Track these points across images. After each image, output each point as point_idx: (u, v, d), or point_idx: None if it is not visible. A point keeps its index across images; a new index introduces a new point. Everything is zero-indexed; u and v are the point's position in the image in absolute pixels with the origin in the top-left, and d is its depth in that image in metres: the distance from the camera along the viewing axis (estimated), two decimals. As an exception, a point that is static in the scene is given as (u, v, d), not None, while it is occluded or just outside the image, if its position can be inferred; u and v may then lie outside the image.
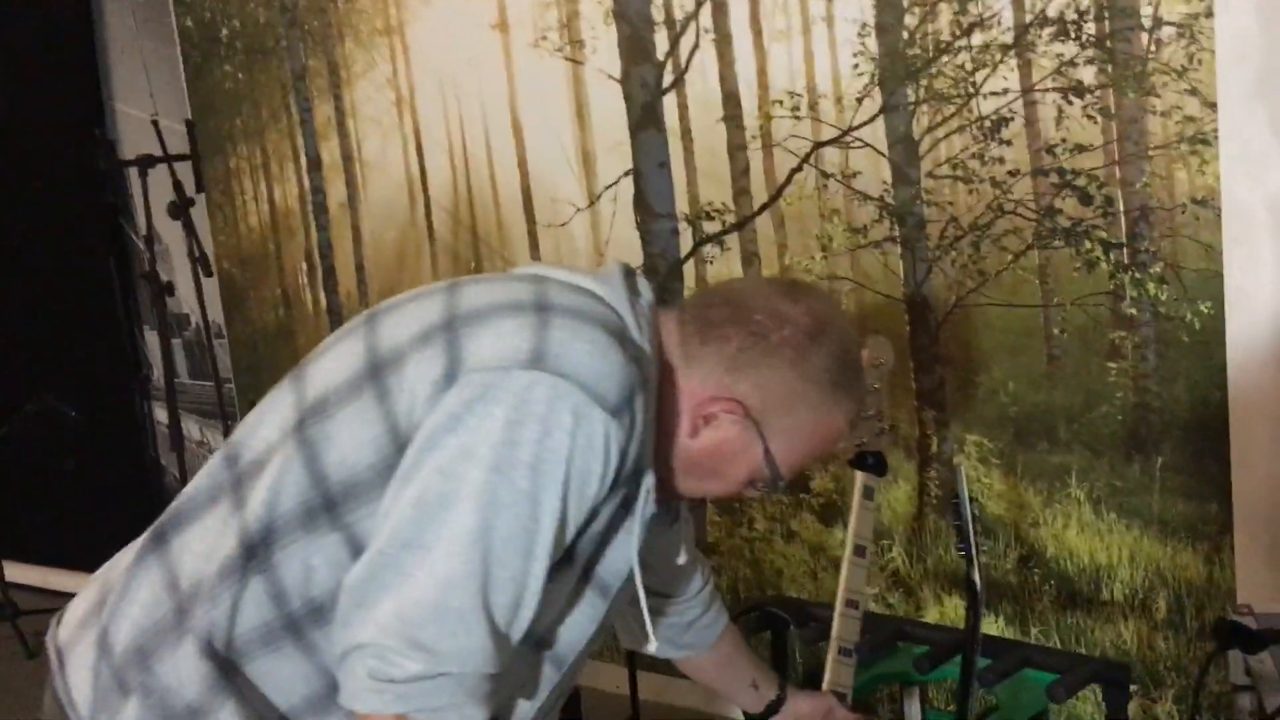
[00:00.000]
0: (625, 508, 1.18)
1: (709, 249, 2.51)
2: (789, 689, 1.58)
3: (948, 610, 2.30)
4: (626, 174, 2.58)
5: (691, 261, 2.54)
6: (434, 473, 1.06)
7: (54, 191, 3.52)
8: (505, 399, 1.06)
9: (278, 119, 3.20)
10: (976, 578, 1.55)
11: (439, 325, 1.13)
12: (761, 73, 2.37)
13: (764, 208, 2.42)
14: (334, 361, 1.17)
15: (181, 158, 2.82)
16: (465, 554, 1.04)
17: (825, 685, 1.61)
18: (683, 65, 2.46)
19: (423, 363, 1.10)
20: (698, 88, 2.46)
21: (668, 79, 2.48)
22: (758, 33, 2.35)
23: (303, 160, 3.17)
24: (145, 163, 2.83)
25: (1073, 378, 2.11)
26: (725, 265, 2.49)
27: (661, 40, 2.47)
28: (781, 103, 2.35)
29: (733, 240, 2.48)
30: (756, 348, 1.19)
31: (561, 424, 1.06)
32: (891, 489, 2.35)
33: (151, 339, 3.67)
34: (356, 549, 1.09)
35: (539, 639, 1.18)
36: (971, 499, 1.59)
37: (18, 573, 3.76)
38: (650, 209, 2.58)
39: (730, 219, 2.47)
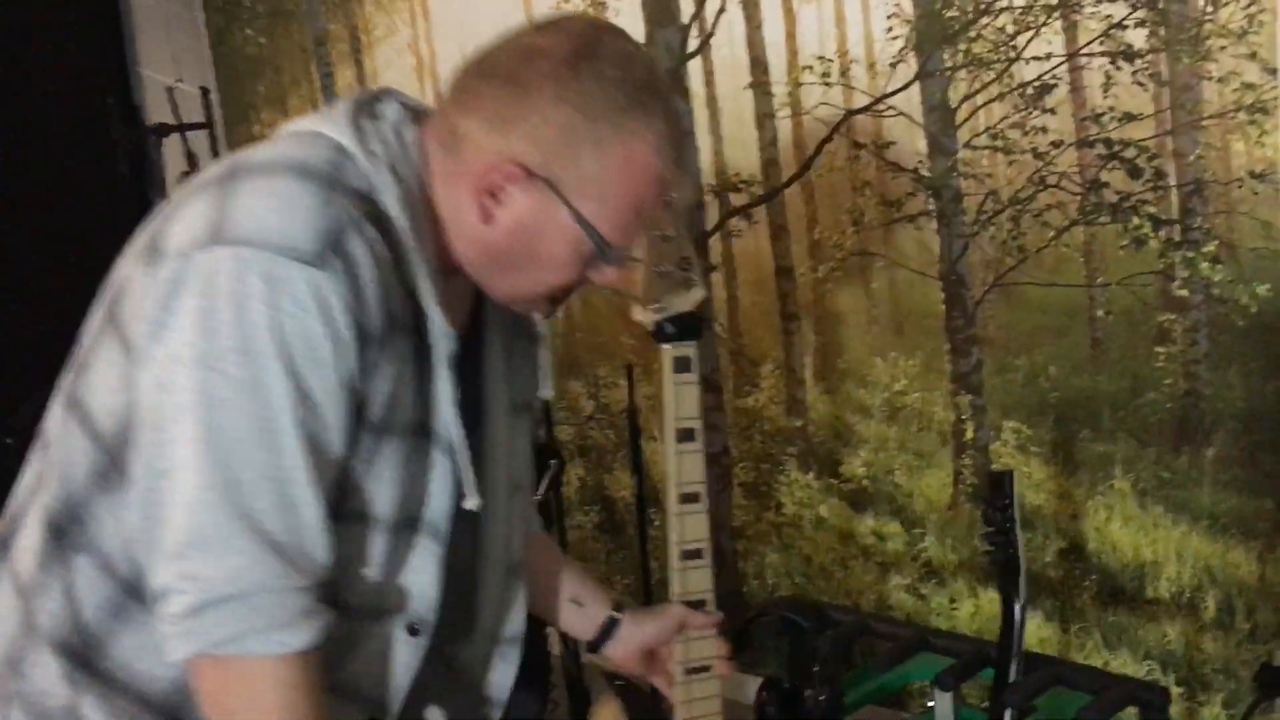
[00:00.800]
0: (422, 355, 1.06)
1: (736, 221, 2.40)
2: (629, 609, 1.39)
3: (983, 604, 2.20)
4: (651, 143, 2.47)
5: (718, 235, 2.43)
6: (152, 389, 0.96)
7: (79, 159, 3.47)
8: (193, 286, 0.95)
9: (299, 85, 3.13)
10: (1018, 605, 1.42)
11: (149, 236, 1.03)
12: (790, 37, 2.24)
13: (793, 179, 2.30)
14: (91, 316, 1.08)
15: (196, 126, 2.75)
16: (199, 467, 0.95)
17: (673, 595, 1.39)
18: (708, 29, 2.34)
19: (135, 278, 1.00)
20: (724, 52, 2.34)
21: (693, 43, 2.36)
22: (787, -7, 2.23)
23: (326, 127, 3.10)
24: (160, 131, 2.77)
25: (1118, 362, 1.98)
26: (753, 238, 2.38)
27: (686, 3, 2.35)
28: (811, 68, 2.23)
29: (760, 213, 2.36)
30: (512, 95, 1.04)
31: (253, 294, 0.95)
32: (924, 475, 2.25)
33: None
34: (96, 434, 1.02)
35: (405, 518, 1.08)
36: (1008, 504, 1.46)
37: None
38: (676, 180, 2.46)
39: (758, 190, 2.36)
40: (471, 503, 1.10)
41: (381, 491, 1.04)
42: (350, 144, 1.04)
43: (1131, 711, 1.46)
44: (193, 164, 2.70)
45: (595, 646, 1.38)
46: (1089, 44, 1.89)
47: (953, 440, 2.20)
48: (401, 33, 2.87)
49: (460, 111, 1.06)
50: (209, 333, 0.95)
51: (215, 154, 3.13)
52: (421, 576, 1.09)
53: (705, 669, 1.35)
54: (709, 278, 2.26)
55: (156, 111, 3.35)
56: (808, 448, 2.41)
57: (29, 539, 1.07)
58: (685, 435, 1.37)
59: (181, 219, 1.00)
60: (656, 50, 2.41)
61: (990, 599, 2.18)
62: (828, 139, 2.24)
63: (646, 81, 1.08)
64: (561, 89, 1.04)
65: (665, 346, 1.37)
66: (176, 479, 0.95)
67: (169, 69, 3.37)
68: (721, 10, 2.31)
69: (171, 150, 2.99)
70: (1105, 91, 1.89)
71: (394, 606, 1.09)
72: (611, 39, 1.08)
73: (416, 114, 1.11)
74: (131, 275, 1.02)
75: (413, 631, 1.10)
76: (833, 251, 2.28)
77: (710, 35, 2.34)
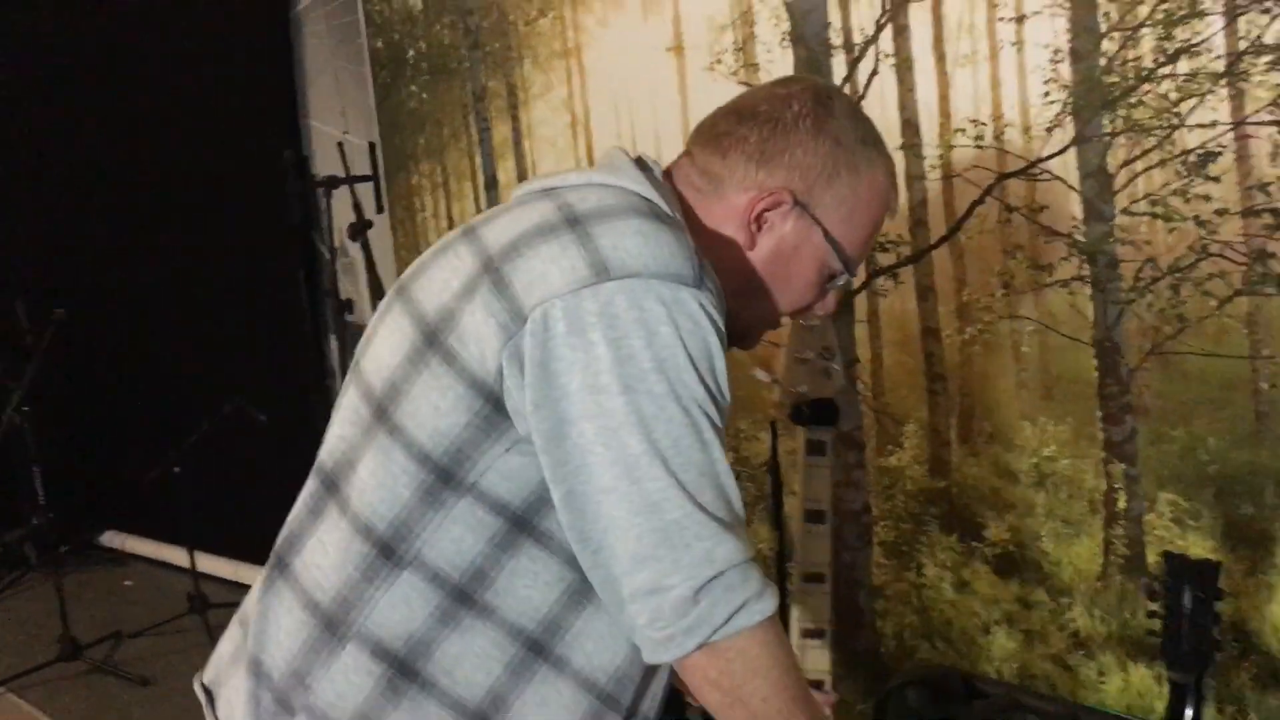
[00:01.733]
0: None
1: (882, 281, 2.41)
2: None
3: (1132, 679, 2.14)
4: (799, 201, 2.50)
5: (864, 294, 2.44)
6: (580, 420, 1.04)
7: (252, 206, 3.68)
8: (593, 322, 1.04)
9: (458, 138, 3.26)
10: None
11: (478, 271, 1.10)
12: (943, 99, 2.25)
13: (942, 240, 2.30)
14: (385, 345, 1.15)
15: (363, 179, 2.90)
16: (650, 474, 1.03)
17: None
18: (860, 90, 2.36)
19: (476, 311, 1.08)
20: (875, 113, 2.34)
21: (844, 104, 2.39)
22: (940, 58, 2.24)
23: (480, 178, 3.22)
24: (330, 184, 2.93)
25: (1283, 438, 1.92)
26: (899, 298, 2.39)
27: (839, 64, 2.38)
28: (964, 131, 2.23)
29: (907, 274, 2.37)
30: (776, 132, 1.19)
31: (659, 318, 1.04)
32: (1073, 544, 2.20)
33: (337, 349, 3.81)
34: (491, 504, 1.09)
35: None
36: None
37: (209, 564, 3.97)
38: (823, 238, 2.49)
39: (905, 251, 2.36)
40: None
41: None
42: (651, 195, 1.15)
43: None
44: (359, 214, 2.84)
45: None
46: (1257, 112, 1.86)
47: (1104, 509, 2.15)
48: (557, 90, 2.97)
49: (718, 154, 1.20)
50: (627, 360, 1.04)
51: (379, 205, 3.29)
52: None
53: None
54: (852, 371, 2.29)
55: (323, 163, 3.54)
56: (951, 510, 2.39)
57: (334, 557, 1.14)
58: (814, 517, 1.43)
59: (539, 260, 1.07)
60: (807, 111, 2.44)
61: (1140, 675, 2.12)
62: (979, 201, 2.23)
63: (870, 121, 1.24)
64: (819, 125, 1.19)
65: (802, 429, 1.43)
66: (625, 491, 1.04)
67: (337, 122, 3.56)
68: (874, 73, 2.33)
69: (338, 200, 3.16)
70: (1273, 160, 1.85)
71: None
72: (836, 89, 1.26)
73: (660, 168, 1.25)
74: (460, 310, 1.08)
75: None
76: (981, 314, 2.27)
77: (862, 97, 2.36)
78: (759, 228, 1.19)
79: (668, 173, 1.24)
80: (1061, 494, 2.21)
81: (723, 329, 1.09)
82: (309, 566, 1.16)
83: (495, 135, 3.15)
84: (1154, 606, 1.43)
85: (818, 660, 1.38)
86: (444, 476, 1.09)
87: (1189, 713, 1.41)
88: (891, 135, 2.34)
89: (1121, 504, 2.13)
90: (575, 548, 1.07)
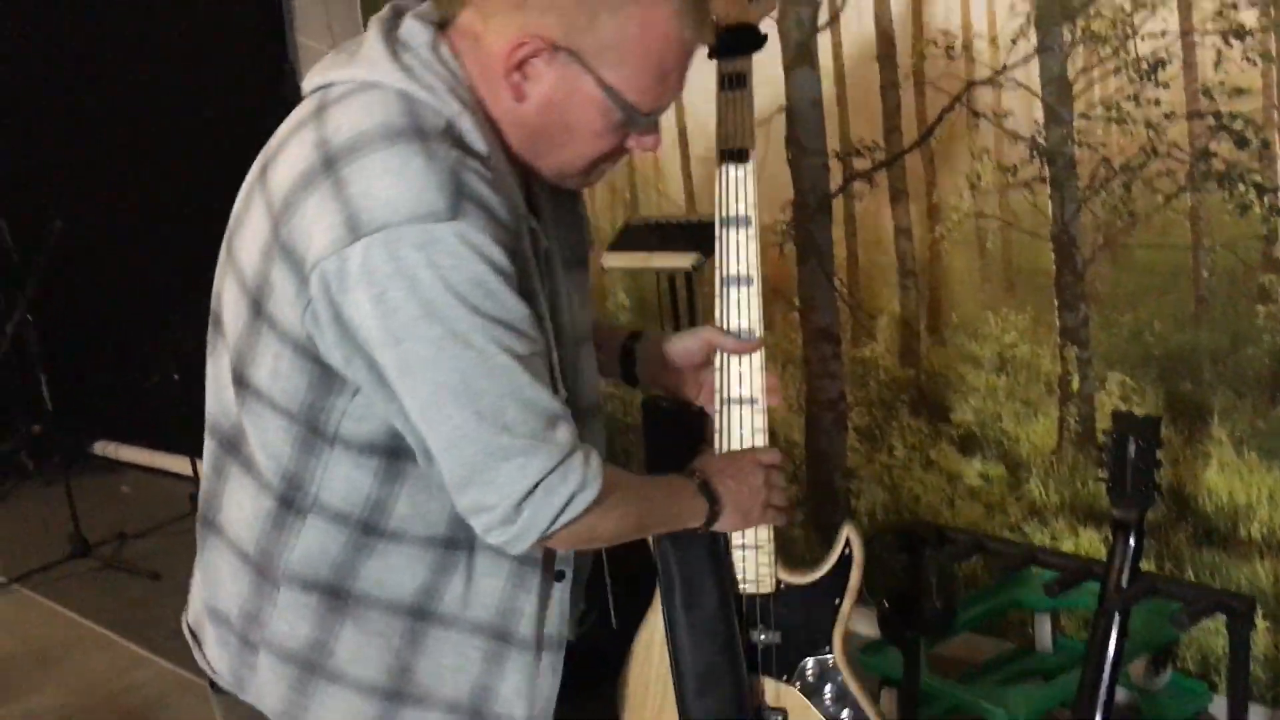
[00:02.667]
0: (535, 256, 1.15)
1: (858, 185, 2.59)
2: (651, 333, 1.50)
3: (1082, 543, 2.37)
4: (779, 110, 2.66)
5: (841, 197, 2.62)
6: (383, 368, 1.08)
7: (244, 121, 3.77)
8: (357, 281, 1.04)
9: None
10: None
11: (270, 233, 1.11)
12: (916, 13, 2.41)
13: (914, 146, 2.48)
14: (229, 311, 1.19)
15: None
16: (445, 414, 1.08)
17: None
18: (838, 4, 2.51)
19: (277, 277, 1.10)
20: (852, 27, 2.52)
21: (823, 19, 2.55)
22: (914, -28, 2.39)
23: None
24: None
25: (1220, 320, 2.14)
26: (874, 201, 2.57)
27: (818, -21, 2.53)
28: (935, 43, 2.39)
29: (881, 177, 2.55)
30: None
31: (416, 264, 1.03)
32: (1031, 424, 2.42)
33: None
34: (361, 446, 1.14)
35: (584, 408, 1.24)
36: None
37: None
38: (801, 145, 2.66)
39: (880, 156, 2.54)
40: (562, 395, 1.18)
41: (567, 388, 1.18)
42: (409, 87, 1.09)
43: (1221, 620, 1.63)
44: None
45: (628, 376, 1.48)
46: (1203, 23, 2.04)
47: (1059, 390, 2.37)
48: None
49: (477, 3, 1.11)
50: (392, 313, 1.04)
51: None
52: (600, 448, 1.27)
53: (751, 400, 1.43)
54: (829, 269, 2.44)
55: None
56: (920, 395, 2.60)
57: (248, 511, 1.20)
58: (735, 156, 1.39)
59: (307, 217, 1.07)
60: (788, 25, 2.59)
61: (1089, 537, 2.36)
62: (949, 108, 2.41)
63: None
64: None
65: (719, 62, 1.33)
66: (432, 435, 1.09)
67: (324, 37, 3.65)
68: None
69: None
70: (1216, 67, 2.04)
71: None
72: None
73: (435, 24, 1.15)
74: (268, 272, 1.11)
75: None
76: (949, 214, 2.46)
77: (840, 10, 2.51)
78: (523, 78, 1.11)
79: (447, 27, 1.16)
80: (1021, 377, 2.43)
81: (492, 245, 1.05)
82: (231, 523, 1.22)
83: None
84: (1103, 457, 1.64)
85: (744, 312, 1.41)
86: (310, 428, 1.13)
87: (1131, 544, 1.63)
88: (867, 46, 2.50)
89: (1075, 385, 2.35)
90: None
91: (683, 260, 2.21)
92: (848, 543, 1.47)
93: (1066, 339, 2.34)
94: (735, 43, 1.33)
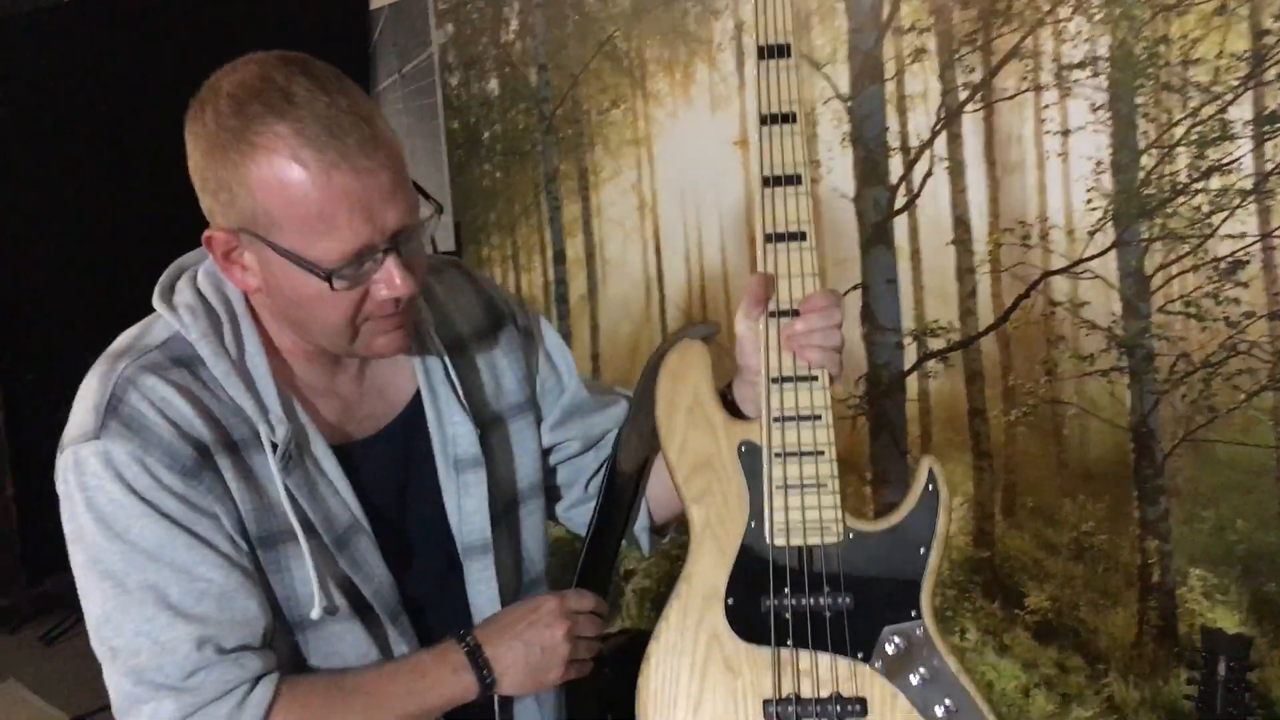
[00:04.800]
0: (294, 460, 1.13)
1: (933, 364, 2.61)
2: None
3: (1164, 742, 2.30)
4: (855, 287, 2.71)
5: (915, 375, 2.64)
6: None
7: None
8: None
9: (529, 215, 3.49)
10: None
11: None
12: (993, 200, 2.47)
13: (990, 329, 2.50)
14: None
15: (449, 254, 3.12)
16: (95, 641, 1.15)
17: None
18: (915, 189, 2.58)
19: None
20: (929, 211, 2.58)
21: (899, 201, 2.61)
22: (991, 163, 2.45)
23: (549, 253, 3.44)
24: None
25: (1306, 521, 2.10)
26: (949, 380, 2.58)
27: (896, 165, 2.60)
28: (1012, 230, 2.44)
29: (956, 358, 2.57)
30: (197, 182, 1.09)
31: (70, 488, 1.11)
32: (1109, 614, 2.37)
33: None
34: None
35: (352, 608, 1.18)
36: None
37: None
38: (876, 322, 2.70)
39: (955, 337, 2.56)
40: (315, 611, 1.15)
41: (318, 595, 1.15)
42: (165, 314, 1.17)
43: None
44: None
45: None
46: (1282, 227, 2.06)
47: (1139, 582, 2.33)
48: (626, 175, 3.20)
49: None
50: (66, 534, 1.13)
51: (458, 277, 3.51)
52: (403, 648, 1.23)
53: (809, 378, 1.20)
54: (902, 444, 2.43)
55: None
56: (994, 578, 2.56)
57: None
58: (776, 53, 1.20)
59: None
60: (865, 206, 2.66)
61: (1172, 738, 2.29)
62: (1025, 295, 2.44)
63: (258, 90, 1.02)
64: (191, 136, 1.07)
65: None
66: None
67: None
68: (929, 174, 2.55)
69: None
70: (1297, 270, 2.05)
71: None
72: (225, 70, 1.06)
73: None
74: None
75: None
76: (1026, 398, 2.46)
77: (917, 195, 2.58)
78: (242, 270, 1.11)
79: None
80: (1099, 567, 2.39)
81: (134, 463, 1.07)
82: None
83: (565, 214, 3.38)
84: (1192, 674, 1.61)
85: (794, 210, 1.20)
86: None
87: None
88: (944, 231, 2.55)
89: (1155, 577, 2.30)
90: None
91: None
92: (931, 477, 1.20)
93: (1146, 531, 2.31)
94: None
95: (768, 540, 1.21)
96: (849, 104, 2.66)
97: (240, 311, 1.17)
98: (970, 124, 2.47)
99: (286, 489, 1.13)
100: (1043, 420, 2.45)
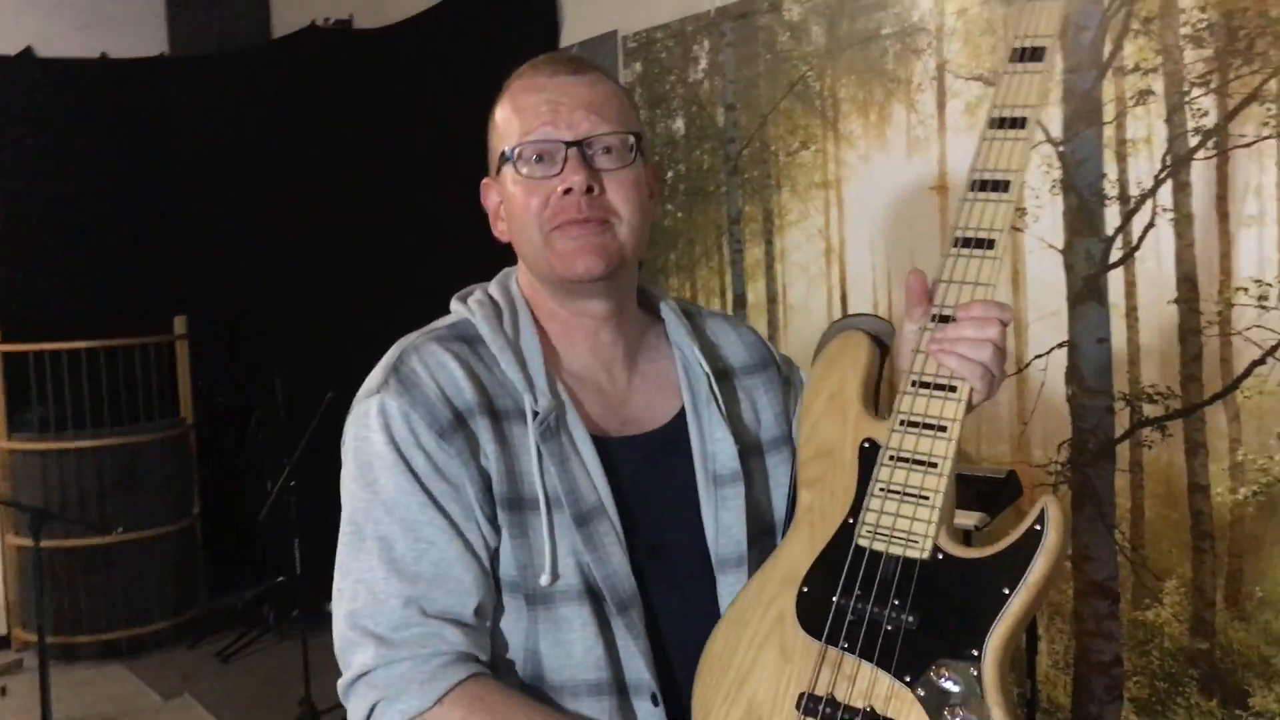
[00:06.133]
0: (550, 432, 1.22)
1: (1148, 432, 2.39)
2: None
3: None
4: (1060, 345, 2.51)
5: (1127, 444, 2.42)
6: None
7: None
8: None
9: (709, 256, 3.40)
10: None
11: None
12: (1224, 257, 2.24)
13: (1216, 397, 2.27)
14: None
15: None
16: (337, 575, 1.23)
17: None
18: (1134, 242, 2.37)
19: None
20: (1149, 265, 2.37)
21: (1115, 254, 2.41)
22: (1223, 216, 2.23)
23: (729, 296, 3.34)
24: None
25: None
26: (1166, 451, 2.36)
27: (1112, 215, 2.40)
28: (1246, 290, 2.21)
29: (1177, 427, 2.34)
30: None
31: (347, 439, 1.25)
32: (1352, 725, 2.11)
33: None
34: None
35: (585, 589, 1.21)
36: None
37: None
38: (1084, 383, 2.49)
39: (1175, 404, 2.34)
40: (544, 578, 1.21)
41: (549, 563, 1.20)
42: (459, 308, 1.33)
43: None
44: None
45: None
46: None
47: (1389, 692, 2.06)
48: (813, 219, 3.08)
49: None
50: (343, 473, 1.26)
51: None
52: (631, 646, 1.22)
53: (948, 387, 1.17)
54: (1110, 521, 2.24)
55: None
56: (1213, 672, 2.31)
57: None
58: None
59: None
60: (1075, 257, 2.47)
61: None
62: (1260, 361, 2.20)
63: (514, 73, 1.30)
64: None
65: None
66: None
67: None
68: (1150, 225, 2.34)
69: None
70: None
71: (623, 681, 1.23)
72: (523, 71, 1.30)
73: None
74: None
75: (654, 701, 1.22)
76: (1257, 475, 2.22)
77: (1136, 248, 2.37)
78: (500, 221, 1.33)
79: None
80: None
81: (401, 417, 1.19)
82: None
83: (748, 257, 3.28)
84: None
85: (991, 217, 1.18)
86: None
87: None
88: (1165, 289, 2.34)
89: None
90: None
91: (967, 519, 2.06)
92: (1042, 517, 1.10)
93: (1400, 634, 2.04)
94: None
95: (855, 539, 1.20)
96: (1061, 148, 2.48)
97: (520, 305, 1.31)
98: (1200, 172, 2.26)
99: (539, 456, 1.21)
100: (1276, 501, 2.20)
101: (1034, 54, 1.20)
